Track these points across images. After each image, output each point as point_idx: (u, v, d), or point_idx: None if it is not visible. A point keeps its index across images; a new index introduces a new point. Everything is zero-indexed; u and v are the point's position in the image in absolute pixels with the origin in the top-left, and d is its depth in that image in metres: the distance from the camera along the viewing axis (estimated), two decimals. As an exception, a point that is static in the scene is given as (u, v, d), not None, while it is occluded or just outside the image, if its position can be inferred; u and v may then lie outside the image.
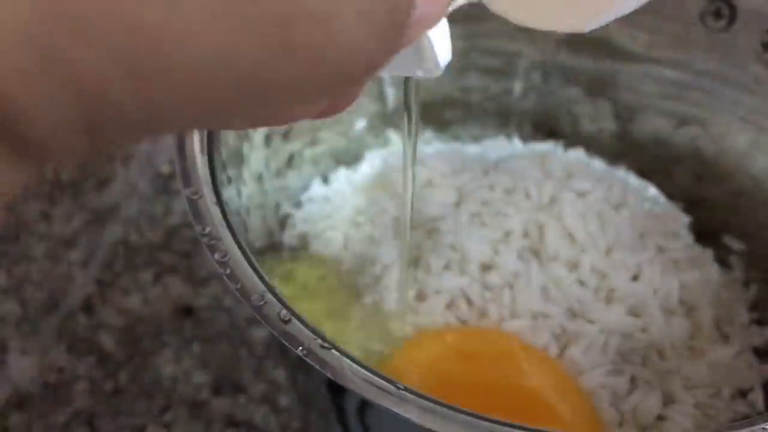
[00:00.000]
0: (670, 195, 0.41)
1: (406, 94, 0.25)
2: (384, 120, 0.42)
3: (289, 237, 0.38)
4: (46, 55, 0.11)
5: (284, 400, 0.40)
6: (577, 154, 0.42)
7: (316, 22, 0.12)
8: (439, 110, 0.43)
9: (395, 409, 0.23)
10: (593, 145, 0.43)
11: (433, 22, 0.16)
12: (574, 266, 0.34)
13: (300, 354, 0.24)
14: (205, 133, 0.30)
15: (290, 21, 0.12)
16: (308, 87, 0.13)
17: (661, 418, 0.33)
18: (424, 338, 0.33)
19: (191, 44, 0.12)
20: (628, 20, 0.39)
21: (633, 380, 0.33)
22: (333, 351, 0.24)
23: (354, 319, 0.34)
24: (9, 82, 0.11)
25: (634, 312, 0.34)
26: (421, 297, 0.34)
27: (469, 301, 0.33)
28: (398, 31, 0.14)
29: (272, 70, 0.13)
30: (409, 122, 0.26)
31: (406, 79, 0.25)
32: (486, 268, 0.34)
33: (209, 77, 0.12)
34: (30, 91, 0.11)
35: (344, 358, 0.24)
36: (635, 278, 0.35)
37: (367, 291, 0.34)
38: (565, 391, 0.32)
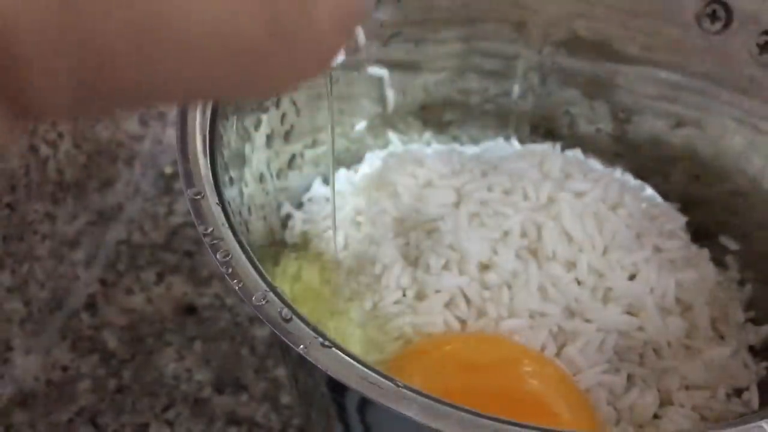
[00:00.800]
0: (667, 195, 0.41)
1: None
2: (384, 121, 0.43)
3: (290, 237, 0.39)
4: (65, 6, 0.12)
5: (285, 398, 0.41)
6: (575, 154, 0.42)
7: (297, 10, 0.14)
8: (438, 112, 0.44)
9: (395, 407, 0.23)
10: (591, 146, 0.43)
11: None
12: (571, 266, 0.35)
13: (301, 352, 0.24)
14: (208, 134, 0.30)
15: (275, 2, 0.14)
16: (286, 65, 0.15)
17: (657, 416, 0.33)
18: (422, 348, 0.33)
19: (195, 18, 0.13)
20: (626, 23, 0.40)
21: (630, 378, 0.33)
22: (334, 349, 0.24)
23: (355, 319, 0.34)
24: (21, 28, 0.12)
25: (631, 311, 0.34)
26: (420, 296, 0.34)
27: (468, 301, 0.34)
28: (351, 31, 0.16)
29: (259, 46, 0.14)
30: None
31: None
32: (484, 267, 0.34)
33: (207, 49, 0.13)
34: (42, 39, 0.12)
35: (345, 357, 0.24)
36: (632, 277, 0.35)
37: (367, 291, 0.35)
38: (565, 396, 0.32)
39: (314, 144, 0.40)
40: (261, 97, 0.34)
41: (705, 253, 0.38)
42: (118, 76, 0.13)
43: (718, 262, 0.39)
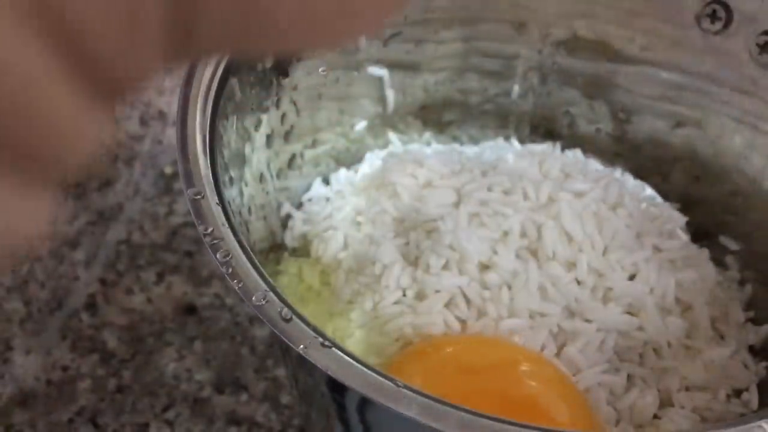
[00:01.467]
0: (667, 195, 0.41)
1: None
2: (384, 121, 0.43)
3: (290, 237, 0.39)
4: None
5: (286, 398, 0.41)
6: (575, 154, 0.42)
7: None
8: (438, 112, 0.44)
9: (395, 407, 0.23)
10: (590, 146, 0.43)
11: None
12: (571, 266, 0.35)
13: (301, 352, 0.24)
14: (208, 134, 0.30)
15: None
16: (359, 13, 0.15)
17: (657, 416, 0.33)
18: (422, 349, 0.33)
19: None
20: (625, 23, 0.40)
21: (630, 378, 0.33)
22: (333, 349, 0.24)
23: (355, 320, 0.34)
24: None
25: (631, 311, 0.34)
26: (420, 296, 0.34)
27: (468, 301, 0.34)
28: None
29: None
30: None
31: None
32: (484, 267, 0.34)
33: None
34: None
35: (344, 357, 0.24)
36: (632, 277, 0.35)
37: (367, 291, 0.35)
38: (564, 397, 0.32)
39: (314, 144, 0.40)
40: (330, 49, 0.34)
41: (705, 253, 0.38)
42: (213, 20, 0.12)
43: (718, 262, 0.39)
